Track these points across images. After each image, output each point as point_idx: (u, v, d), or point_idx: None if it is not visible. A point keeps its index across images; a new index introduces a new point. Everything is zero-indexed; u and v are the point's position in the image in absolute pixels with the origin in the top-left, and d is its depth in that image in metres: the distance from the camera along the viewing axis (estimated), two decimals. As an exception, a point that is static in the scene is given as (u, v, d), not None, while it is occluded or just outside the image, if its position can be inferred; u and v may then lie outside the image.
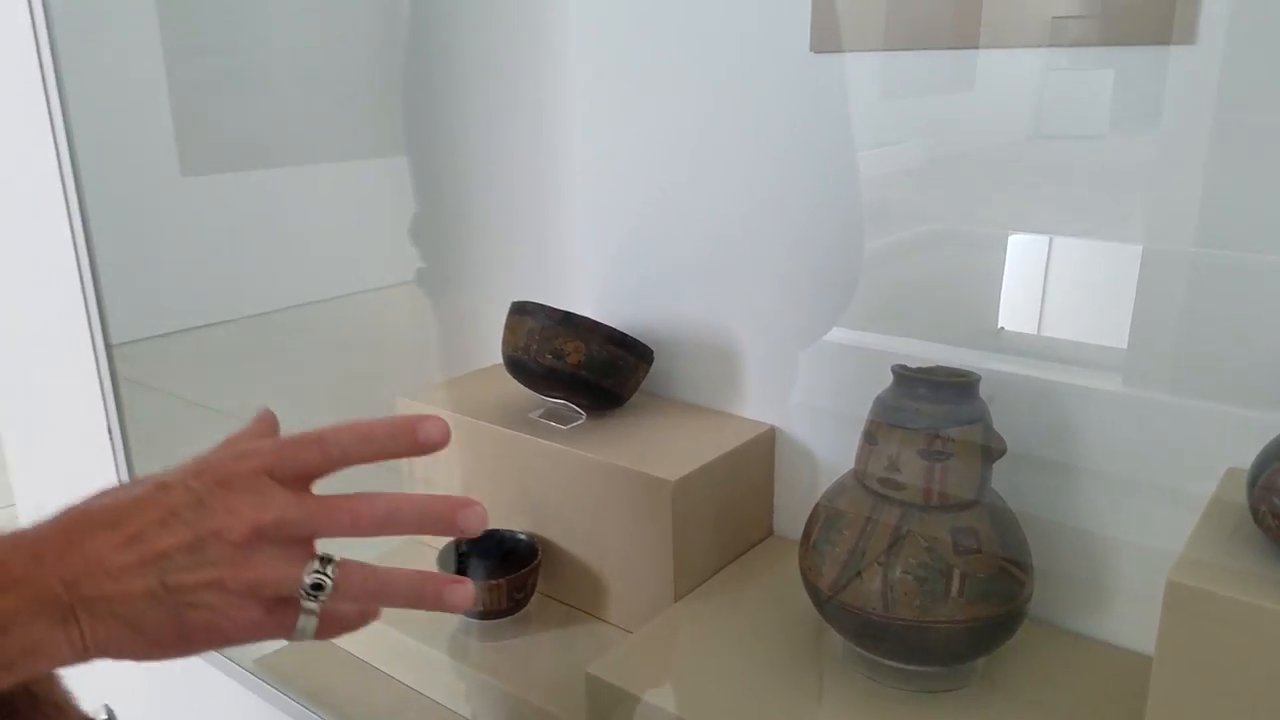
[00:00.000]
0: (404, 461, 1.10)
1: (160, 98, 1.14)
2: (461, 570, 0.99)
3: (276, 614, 0.44)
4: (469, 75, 1.14)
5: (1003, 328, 0.88)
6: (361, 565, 0.45)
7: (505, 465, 1.02)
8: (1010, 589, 0.71)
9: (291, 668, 1.05)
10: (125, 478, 1.17)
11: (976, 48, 0.77)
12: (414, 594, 0.47)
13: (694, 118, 0.96)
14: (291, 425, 0.49)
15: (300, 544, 0.44)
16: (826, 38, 0.83)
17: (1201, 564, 0.58)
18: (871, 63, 0.84)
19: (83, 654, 0.41)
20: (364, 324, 1.28)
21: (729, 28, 0.90)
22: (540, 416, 1.02)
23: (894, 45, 0.81)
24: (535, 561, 0.96)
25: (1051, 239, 0.89)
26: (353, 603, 0.46)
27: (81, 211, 1.10)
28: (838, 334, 0.94)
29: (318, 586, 0.44)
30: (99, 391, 1.16)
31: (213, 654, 1.01)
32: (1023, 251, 0.87)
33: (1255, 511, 0.60)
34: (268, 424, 0.50)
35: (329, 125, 1.23)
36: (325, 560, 0.44)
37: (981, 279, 0.87)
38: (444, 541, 1.01)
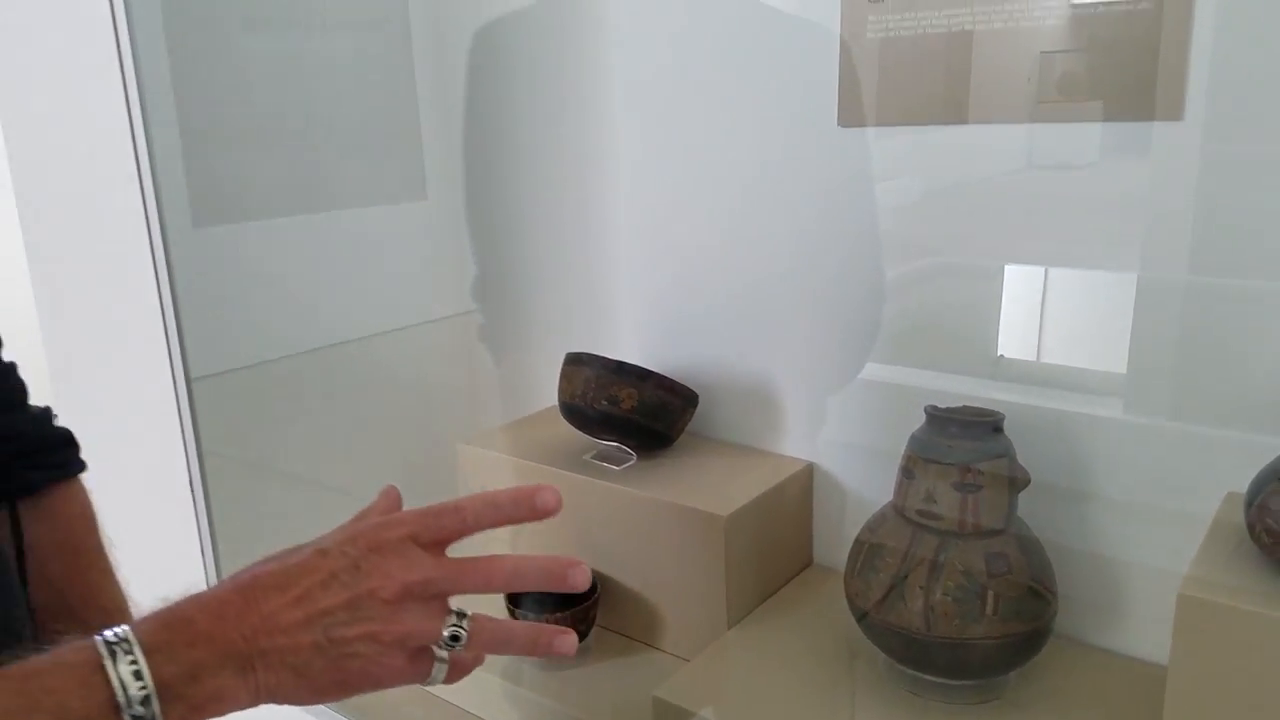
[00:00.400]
0: (464, 493, 1.19)
1: (227, 146, 1.23)
2: (523, 602, 1.06)
3: (416, 662, 0.52)
4: (523, 137, 1.24)
5: (1002, 355, 0.97)
6: (489, 619, 0.54)
7: (565, 505, 1.10)
8: (1038, 607, 0.80)
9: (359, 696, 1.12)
10: (203, 506, 1.23)
11: (971, 122, 0.87)
12: (530, 643, 0.55)
13: (733, 180, 1.06)
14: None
15: (440, 600, 0.52)
16: (851, 114, 0.93)
17: (1207, 580, 0.67)
18: (891, 135, 0.94)
19: (255, 698, 0.48)
20: (415, 360, 1.36)
21: (766, 100, 1.01)
22: (593, 458, 1.11)
23: (911, 121, 0.91)
24: (595, 595, 1.04)
25: (1047, 270, 0.98)
26: (479, 650, 0.54)
27: (165, 249, 1.16)
28: (868, 365, 1.03)
29: (455, 638, 0.51)
30: (178, 425, 1.22)
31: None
32: (1020, 280, 0.96)
33: (1252, 530, 0.68)
34: (393, 500, 0.59)
35: (379, 172, 1.33)
36: (460, 615, 0.52)
37: (980, 308, 0.96)
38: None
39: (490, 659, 1.03)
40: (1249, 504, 0.70)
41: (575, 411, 1.08)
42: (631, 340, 1.19)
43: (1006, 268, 0.96)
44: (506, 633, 0.55)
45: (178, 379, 1.21)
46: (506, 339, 1.31)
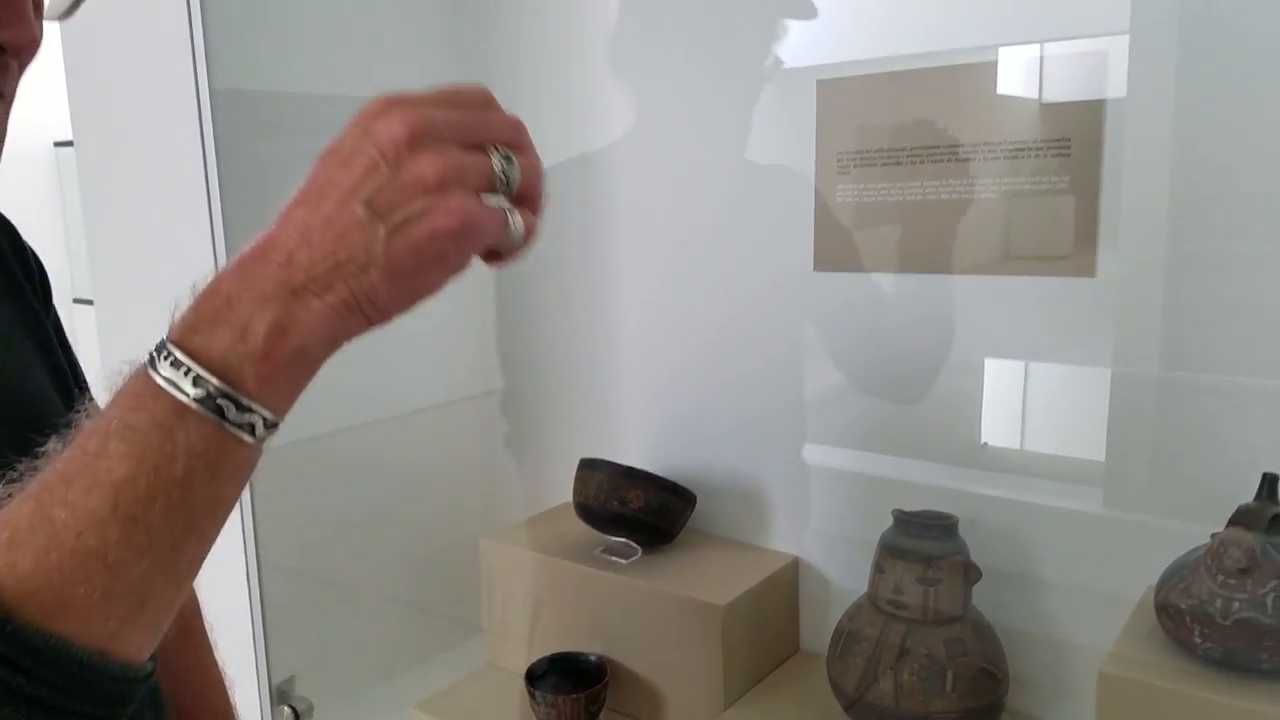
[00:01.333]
0: (484, 586, 1.31)
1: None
2: (540, 684, 1.18)
3: (487, 214, 0.43)
4: (541, 279, 1.42)
5: (986, 443, 1.11)
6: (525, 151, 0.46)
7: (576, 595, 1.23)
8: (991, 685, 0.93)
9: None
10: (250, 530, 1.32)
11: (946, 273, 1.05)
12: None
13: (725, 314, 1.23)
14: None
15: (477, 150, 0.44)
16: (825, 261, 1.12)
17: (1123, 658, 0.81)
18: (857, 279, 1.12)
19: (332, 327, 0.41)
20: (430, 446, 1.46)
21: (753, 247, 1.19)
22: (603, 552, 1.24)
23: (875, 269, 1.09)
24: (605, 678, 1.17)
25: (1027, 364, 1.12)
26: (529, 189, 0.46)
27: None
28: (842, 461, 1.18)
29: (508, 159, 0.44)
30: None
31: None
32: (1001, 373, 1.09)
33: (1159, 617, 0.83)
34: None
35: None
36: (504, 155, 0.45)
37: (964, 400, 1.10)
38: (520, 665, 1.21)
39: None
40: (1158, 592, 0.85)
41: (588, 510, 1.23)
42: (636, 445, 1.34)
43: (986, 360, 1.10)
44: (538, 162, 0.47)
45: None
46: (527, 446, 1.46)
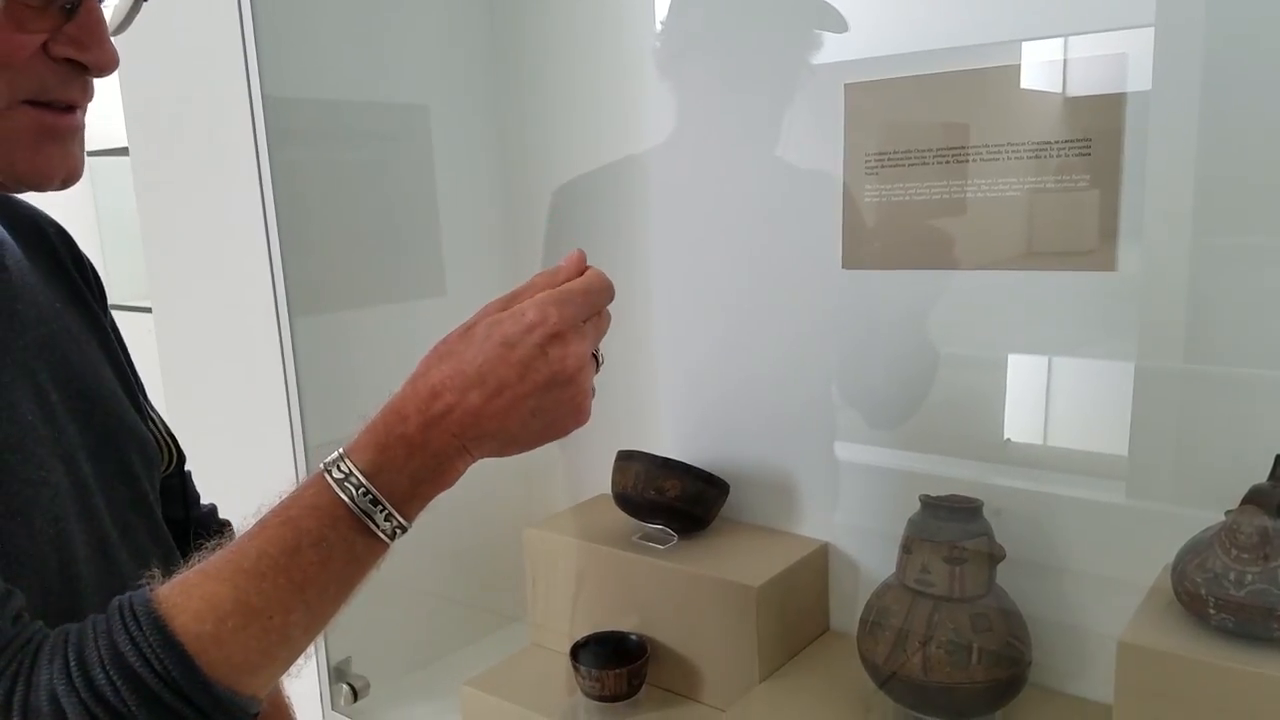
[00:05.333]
0: (529, 573, 1.38)
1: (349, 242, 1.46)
2: (583, 657, 1.23)
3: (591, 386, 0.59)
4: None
5: (1009, 439, 1.16)
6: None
7: (616, 579, 1.29)
8: (1015, 656, 0.98)
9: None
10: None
11: (969, 269, 1.10)
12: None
13: (757, 310, 1.29)
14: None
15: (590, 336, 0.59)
16: (853, 259, 1.17)
17: (1142, 629, 0.86)
18: (884, 275, 1.17)
19: (469, 465, 0.57)
20: None
21: (783, 245, 1.24)
22: (640, 539, 1.30)
23: (902, 266, 1.14)
24: (645, 656, 1.22)
25: (1050, 359, 1.15)
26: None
27: (291, 333, 1.37)
28: (869, 456, 1.23)
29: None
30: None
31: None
32: (1025, 368, 1.12)
33: (1176, 592, 0.88)
34: (575, 261, 0.62)
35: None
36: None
37: (988, 395, 1.14)
38: (563, 646, 1.27)
39: (548, 704, 1.21)
40: (1174, 570, 0.89)
41: (627, 500, 1.29)
42: (672, 438, 1.40)
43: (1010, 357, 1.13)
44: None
45: (296, 443, 1.39)
46: (567, 439, 1.51)
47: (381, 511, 0.54)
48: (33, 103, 0.54)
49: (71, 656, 0.48)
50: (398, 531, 0.55)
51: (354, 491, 0.53)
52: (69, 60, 0.54)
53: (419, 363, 0.58)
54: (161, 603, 0.50)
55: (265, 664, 0.52)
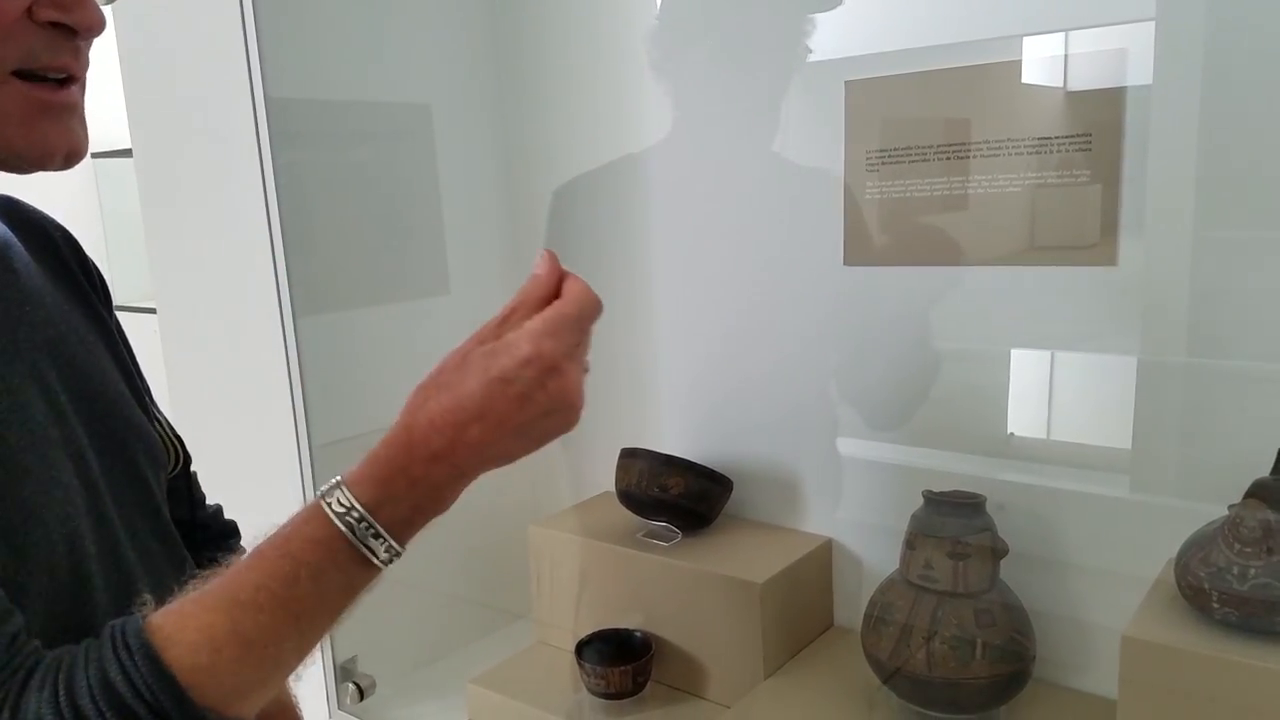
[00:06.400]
0: (533, 570, 1.38)
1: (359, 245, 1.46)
2: (587, 654, 1.24)
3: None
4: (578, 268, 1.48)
5: (1012, 434, 1.16)
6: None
7: (621, 576, 1.29)
8: (1019, 651, 0.98)
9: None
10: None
11: (971, 265, 1.10)
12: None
13: (758, 306, 1.29)
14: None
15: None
16: (855, 256, 1.17)
17: (1145, 623, 0.86)
18: (886, 271, 1.17)
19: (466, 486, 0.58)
20: None
21: (785, 241, 1.24)
22: (644, 536, 1.31)
23: (906, 262, 1.14)
24: (650, 652, 1.23)
25: (1053, 353, 1.15)
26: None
27: (295, 333, 1.38)
28: (872, 452, 1.23)
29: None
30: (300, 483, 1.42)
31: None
32: (1027, 363, 1.12)
33: (1179, 586, 0.88)
34: (552, 265, 0.63)
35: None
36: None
37: (991, 390, 1.13)
38: (568, 643, 1.27)
39: (553, 701, 1.21)
40: (1177, 564, 0.89)
41: (630, 497, 1.29)
42: (675, 435, 1.40)
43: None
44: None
45: (301, 444, 1.40)
46: (570, 437, 1.52)
47: (382, 544, 0.55)
48: (25, 77, 0.53)
49: (61, 684, 0.48)
50: (394, 558, 0.56)
51: (355, 524, 0.54)
52: (55, 24, 0.53)
53: (415, 391, 0.58)
54: (155, 633, 0.50)
55: (257, 689, 0.53)
